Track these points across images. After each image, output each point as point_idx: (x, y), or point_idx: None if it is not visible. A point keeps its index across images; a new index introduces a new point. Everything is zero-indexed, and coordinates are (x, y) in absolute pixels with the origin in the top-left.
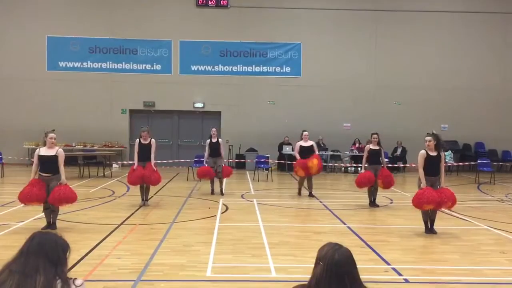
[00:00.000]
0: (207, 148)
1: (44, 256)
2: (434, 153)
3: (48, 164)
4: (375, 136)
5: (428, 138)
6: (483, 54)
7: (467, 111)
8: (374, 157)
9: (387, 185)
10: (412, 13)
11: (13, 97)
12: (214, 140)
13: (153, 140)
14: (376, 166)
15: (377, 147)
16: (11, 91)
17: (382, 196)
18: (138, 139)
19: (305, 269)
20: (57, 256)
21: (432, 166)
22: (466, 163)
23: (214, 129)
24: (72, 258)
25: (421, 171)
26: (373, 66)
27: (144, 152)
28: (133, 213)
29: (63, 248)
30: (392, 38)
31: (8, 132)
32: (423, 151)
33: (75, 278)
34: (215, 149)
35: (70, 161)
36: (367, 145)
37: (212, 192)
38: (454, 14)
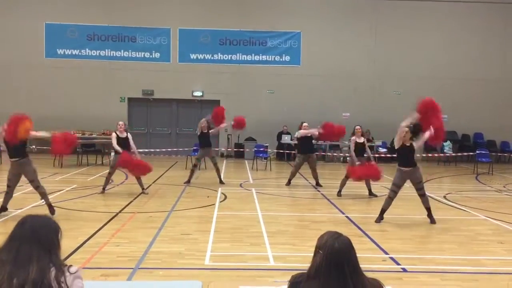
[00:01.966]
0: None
1: (37, 242)
2: (408, 143)
3: (14, 148)
4: (357, 127)
5: (406, 129)
6: (483, 45)
7: (466, 102)
8: (359, 150)
9: (374, 178)
10: (413, 3)
11: (11, 85)
12: (205, 131)
13: (128, 134)
14: (360, 159)
15: (361, 139)
16: (9, 78)
17: (380, 186)
18: (114, 132)
19: (303, 258)
20: (51, 241)
21: (405, 157)
22: (465, 154)
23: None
24: (70, 246)
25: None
26: (373, 55)
27: (123, 146)
28: (131, 201)
29: (56, 230)
30: (392, 27)
31: (5, 119)
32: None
33: (70, 265)
34: (207, 139)
35: None
36: (353, 137)
37: (188, 181)
38: (454, 4)
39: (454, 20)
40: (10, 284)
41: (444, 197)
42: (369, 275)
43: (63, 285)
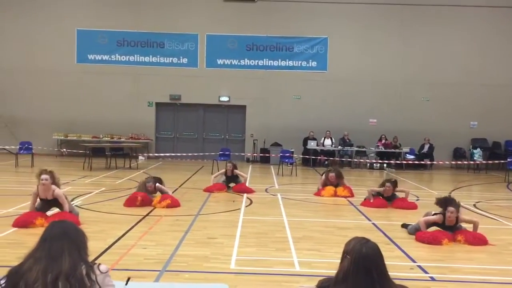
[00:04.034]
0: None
1: (68, 239)
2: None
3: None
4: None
5: (452, 209)
6: None
7: (497, 108)
8: None
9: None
10: (440, 8)
11: (44, 89)
12: (229, 174)
13: (158, 184)
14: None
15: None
16: (42, 83)
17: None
18: (144, 184)
19: (329, 264)
20: (80, 239)
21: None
22: (496, 161)
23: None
24: (99, 247)
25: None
26: (401, 61)
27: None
28: None
29: (83, 232)
30: (420, 33)
31: (38, 123)
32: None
33: (100, 264)
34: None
35: (98, 152)
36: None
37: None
38: (484, 8)
39: (484, 25)
40: (45, 280)
41: (474, 205)
42: (396, 283)
43: (94, 282)
